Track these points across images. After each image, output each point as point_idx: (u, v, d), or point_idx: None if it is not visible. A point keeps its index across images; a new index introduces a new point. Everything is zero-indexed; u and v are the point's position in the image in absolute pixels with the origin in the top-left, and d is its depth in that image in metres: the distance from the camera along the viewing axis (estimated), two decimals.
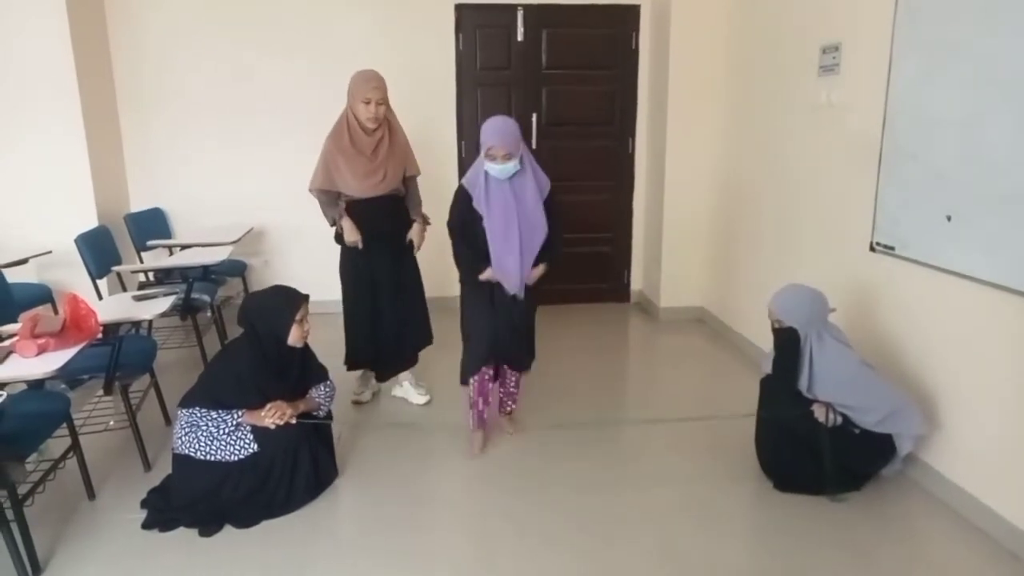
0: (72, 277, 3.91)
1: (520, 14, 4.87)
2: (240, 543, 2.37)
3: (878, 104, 2.85)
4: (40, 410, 2.38)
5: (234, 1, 4.66)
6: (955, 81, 2.45)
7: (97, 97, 4.44)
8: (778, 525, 2.47)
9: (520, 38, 4.91)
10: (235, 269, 4.66)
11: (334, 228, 3.24)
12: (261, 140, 4.83)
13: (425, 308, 3.45)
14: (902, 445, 2.58)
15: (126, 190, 4.83)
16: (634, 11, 4.92)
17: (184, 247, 4.25)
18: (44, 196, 4.24)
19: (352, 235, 3.15)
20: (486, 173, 2.72)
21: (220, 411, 2.48)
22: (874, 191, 2.90)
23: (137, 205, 4.79)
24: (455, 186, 2.98)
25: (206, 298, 3.91)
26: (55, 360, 2.24)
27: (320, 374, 2.78)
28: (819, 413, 2.58)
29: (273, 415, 2.50)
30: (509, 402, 3.13)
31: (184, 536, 2.40)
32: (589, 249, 5.20)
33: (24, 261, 3.81)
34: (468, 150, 4.95)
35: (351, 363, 3.40)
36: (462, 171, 4.57)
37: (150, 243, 4.38)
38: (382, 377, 3.51)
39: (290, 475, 2.55)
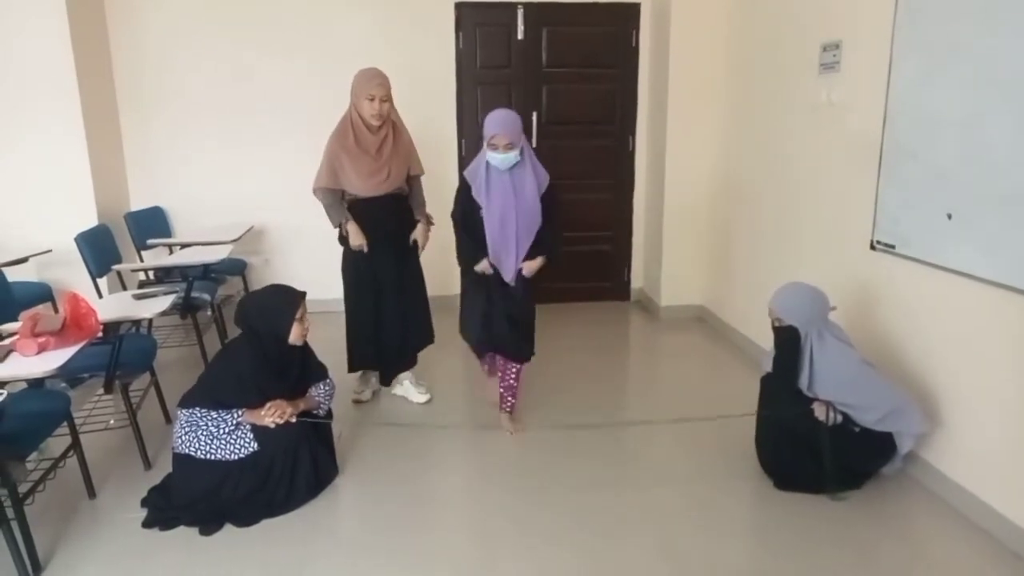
0: (72, 276, 3.91)
1: (520, 12, 4.87)
2: (240, 542, 2.37)
3: (878, 103, 2.85)
4: (40, 409, 2.38)
5: (234, 1, 4.66)
6: (955, 80, 2.45)
7: (97, 97, 4.44)
8: (778, 524, 2.47)
9: (520, 36, 4.91)
10: (235, 268, 4.66)
11: (337, 230, 3.24)
12: (261, 140, 4.83)
13: (427, 308, 3.44)
14: (903, 443, 2.58)
15: (126, 189, 4.83)
16: (634, 9, 4.91)
17: (184, 246, 4.25)
18: (44, 195, 4.23)
19: (357, 239, 3.15)
20: (487, 164, 2.85)
21: (220, 411, 2.48)
22: (874, 190, 2.90)
23: (137, 204, 4.79)
24: (455, 184, 3.03)
25: (206, 297, 3.92)
26: (55, 359, 2.24)
27: (320, 373, 2.78)
28: (819, 412, 2.58)
29: (273, 414, 2.50)
30: (509, 397, 3.13)
31: (184, 535, 2.40)
32: (589, 248, 5.19)
33: (24, 260, 3.81)
34: (468, 149, 4.95)
35: (352, 365, 3.40)
36: (462, 170, 4.57)
37: (150, 242, 4.38)
38: (387, 381, 3.52)
39: (290, 474, 2.55)
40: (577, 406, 3.44)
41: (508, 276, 2.95)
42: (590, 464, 2.88)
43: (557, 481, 2.75)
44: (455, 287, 3.08)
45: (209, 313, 4.23)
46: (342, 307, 3.35)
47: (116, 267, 3.91)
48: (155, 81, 4.72)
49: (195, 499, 2.46)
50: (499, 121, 2.79)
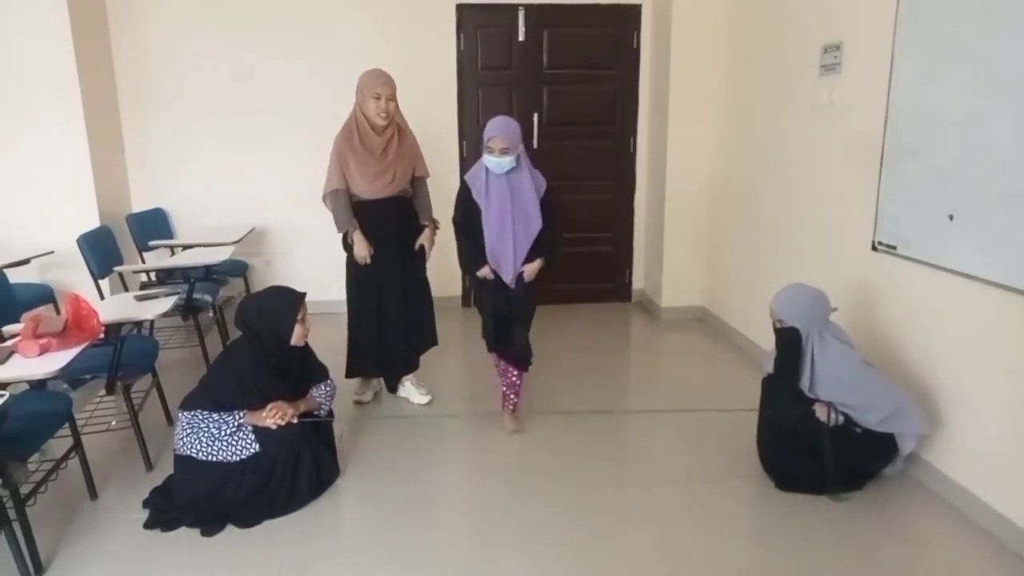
0: (74, 277, 3.92)
1: (521, 14, 4.87)
2: (242, 543, 2.37)
3: (879, 103, 2.85)
4: (42, 410, 2.38)
5: (234, 1, 4.66)
6: (956, 80, 2.45)
7: (98, 97, 4.44)
8: (779, 524, 2.46)
9: (521, 38, 4.91)
10: (236, 269, 4.66)
11: (342, 235, 3.22)
12: (261, 140, 4.83)
13: (432, 310, 3.43)
14: (904, 444, 2.58)
15: (127, 190, 4.83)
16: (635, 11, 4.91)
17: (186, 247, 4.26)
18: (46, 196, 4.24)
19: (362, 251, 3.14)
20: (487, 169, 2.89)
21: (222, 413, 2.48)
22: (875, 190, 2.90)
23: (138, 205, 4.79)
24: (456, 186, 3.06)
25: (208, 298, 3.92)
26: (57, 360, 2.24)
27: (320, 373, 2.78)
28: (820, 413, 2.58)
29: (274, 415, 2.50)
30: (511, 395, 3.14)
31: (186, 536, 2.40)
32: (590, 249, 5.19)
33: (26, 261, 3.81)
34: (469, 150, 4.95)
35: (350, 371, 3.39)
36: (463, 171, 4.57)
37: (152, 243, 4.39)
38: (392, 388, 3.51)
39: (292, 475, 2.55)
40: (578, 405, 3.44)
41: (508, 278, 2.97)
42: (590, 463, 2.89)
43: (557, 480, 2.75)
44: (456, 288, 3.08)
45: (211, 314, 4.24)
46: (343, 308, 3.35)
47: (118, 268, 3.91)
48: (156, 81, 4.73)
49: (197, 500, 2.47)
50: (498, 126, 2.85)
